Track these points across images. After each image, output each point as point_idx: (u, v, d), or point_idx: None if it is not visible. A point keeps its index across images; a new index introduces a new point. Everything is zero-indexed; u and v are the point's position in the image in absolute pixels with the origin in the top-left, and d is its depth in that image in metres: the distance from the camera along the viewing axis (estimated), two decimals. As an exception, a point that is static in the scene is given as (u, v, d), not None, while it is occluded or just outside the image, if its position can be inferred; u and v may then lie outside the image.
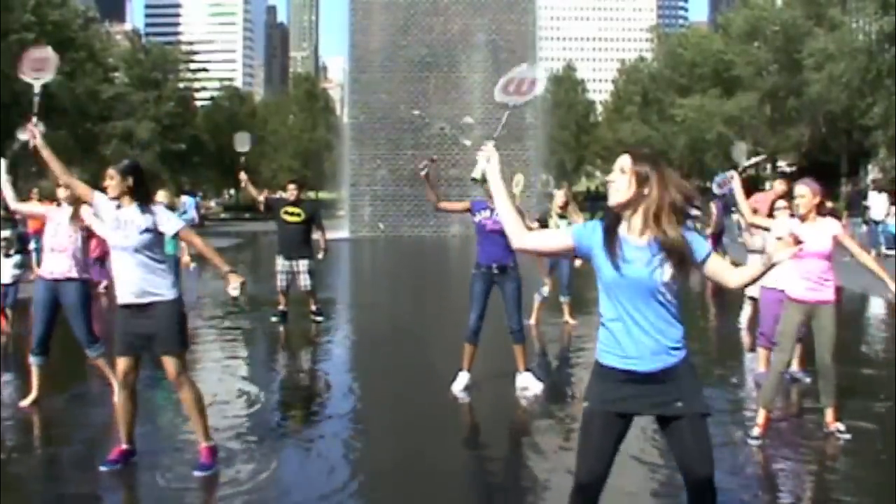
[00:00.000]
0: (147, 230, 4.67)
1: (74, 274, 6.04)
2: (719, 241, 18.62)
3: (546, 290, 7.47)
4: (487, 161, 3.17)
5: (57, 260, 6.03)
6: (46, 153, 4.95)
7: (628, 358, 2.92)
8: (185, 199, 29.69)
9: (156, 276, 4.68)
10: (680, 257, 2.87)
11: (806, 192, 5.31)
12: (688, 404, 2.93)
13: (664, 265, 2.86)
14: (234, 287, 4.73)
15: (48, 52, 5.52)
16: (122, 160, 4.90)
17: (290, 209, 10.06)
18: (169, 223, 4.76)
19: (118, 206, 4.74)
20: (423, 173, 6.48)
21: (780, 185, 7.86)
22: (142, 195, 4.78)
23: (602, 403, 2.96)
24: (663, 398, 2.93)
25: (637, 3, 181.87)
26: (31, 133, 5.01)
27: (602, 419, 2.96)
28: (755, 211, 6.44)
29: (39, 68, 5.40)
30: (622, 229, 2.93)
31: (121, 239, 4.67)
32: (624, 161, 2.94)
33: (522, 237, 3.07)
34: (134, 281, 4.65)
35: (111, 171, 4.72)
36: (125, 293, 4.69)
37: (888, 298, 7.02)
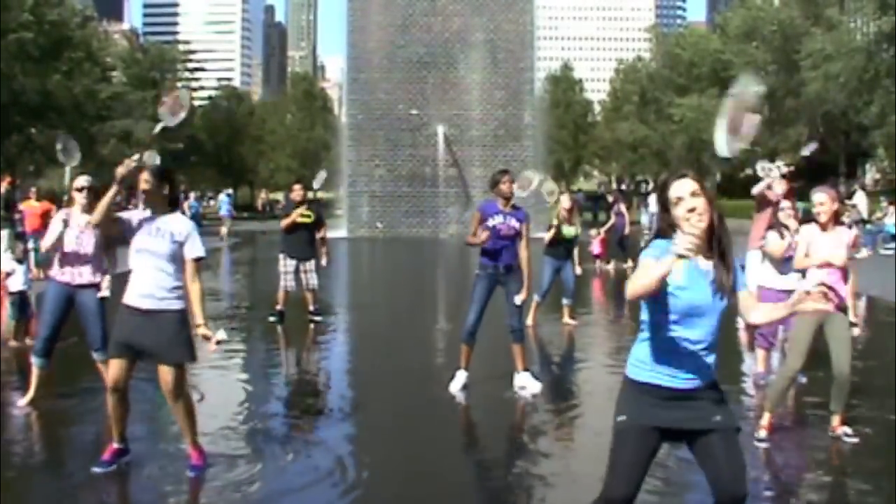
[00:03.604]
0: (178, 242, 4.65)
1: (96, 279, 6.03)
2: (623, 245, 18.19)
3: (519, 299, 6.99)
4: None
5: (80, 265, 5.99)
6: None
7: (673, 375, 2.91)
8: (221, 197, 30.43)
9: (168, 285, 4.65)
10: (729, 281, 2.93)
11: (825, 199, 5.30)
12: (725, 418, 2.96)
13: (722, 286, 2.91)
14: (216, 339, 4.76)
15: (185, 99, 5.44)
16: (155, 164, 4.69)
17: (303, 211, 10.21)
18: (196, 247, 4.71)
19: (153, 213, 4.67)
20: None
21: (780, 187, 7.79)
22: (174, 201, 4.78)
23: (640, 418, 2.93)
24: (699, 412, 2.93)
25: (635, 3, 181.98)
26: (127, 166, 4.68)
27: (638, 433, 2.92)
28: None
29: (175, 112, 5.29)
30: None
31: (153, 244, 4.61)
32: (692, 184, 2.85)
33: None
34: (148, 283, 4.62)
35: (148, 176, 4.63)
36: (135, 295, 4.66)
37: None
